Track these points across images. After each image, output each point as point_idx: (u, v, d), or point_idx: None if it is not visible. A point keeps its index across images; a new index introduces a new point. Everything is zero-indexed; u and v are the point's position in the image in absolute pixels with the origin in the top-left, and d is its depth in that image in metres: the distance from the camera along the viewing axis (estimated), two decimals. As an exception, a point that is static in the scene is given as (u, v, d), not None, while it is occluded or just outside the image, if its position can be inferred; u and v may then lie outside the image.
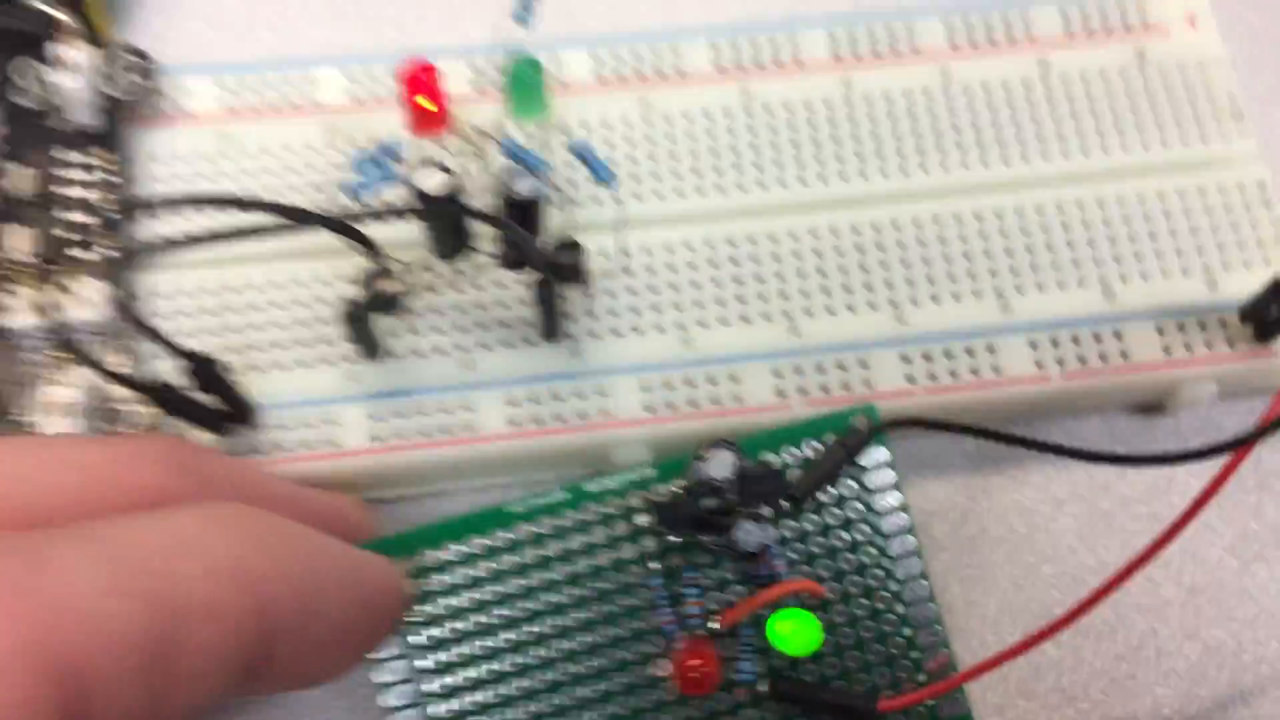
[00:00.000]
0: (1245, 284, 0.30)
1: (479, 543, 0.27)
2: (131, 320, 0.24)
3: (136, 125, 0.31)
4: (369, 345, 0.29)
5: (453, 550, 0.27)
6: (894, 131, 0.32)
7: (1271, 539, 0.30)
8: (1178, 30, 0.33)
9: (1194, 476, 0.30)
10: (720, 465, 0.26)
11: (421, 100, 0.28)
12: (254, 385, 0.28)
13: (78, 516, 0.19)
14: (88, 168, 0.29)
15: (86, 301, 0.28)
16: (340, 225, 0.23)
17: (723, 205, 0.31)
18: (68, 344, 0.23)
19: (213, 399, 0.27)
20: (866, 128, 0.32)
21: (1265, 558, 0.30)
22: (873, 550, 0.27)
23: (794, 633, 0.26)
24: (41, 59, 0.30)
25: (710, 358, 0.30)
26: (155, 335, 0.25)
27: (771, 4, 0.36)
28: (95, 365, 0.25)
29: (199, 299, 0.29)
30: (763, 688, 0.26)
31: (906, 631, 0.27)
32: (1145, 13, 0.33)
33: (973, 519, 0.30)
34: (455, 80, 0.31)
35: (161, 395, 0.26)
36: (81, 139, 0.30)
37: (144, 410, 0.27)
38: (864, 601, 0.27)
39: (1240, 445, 0.24)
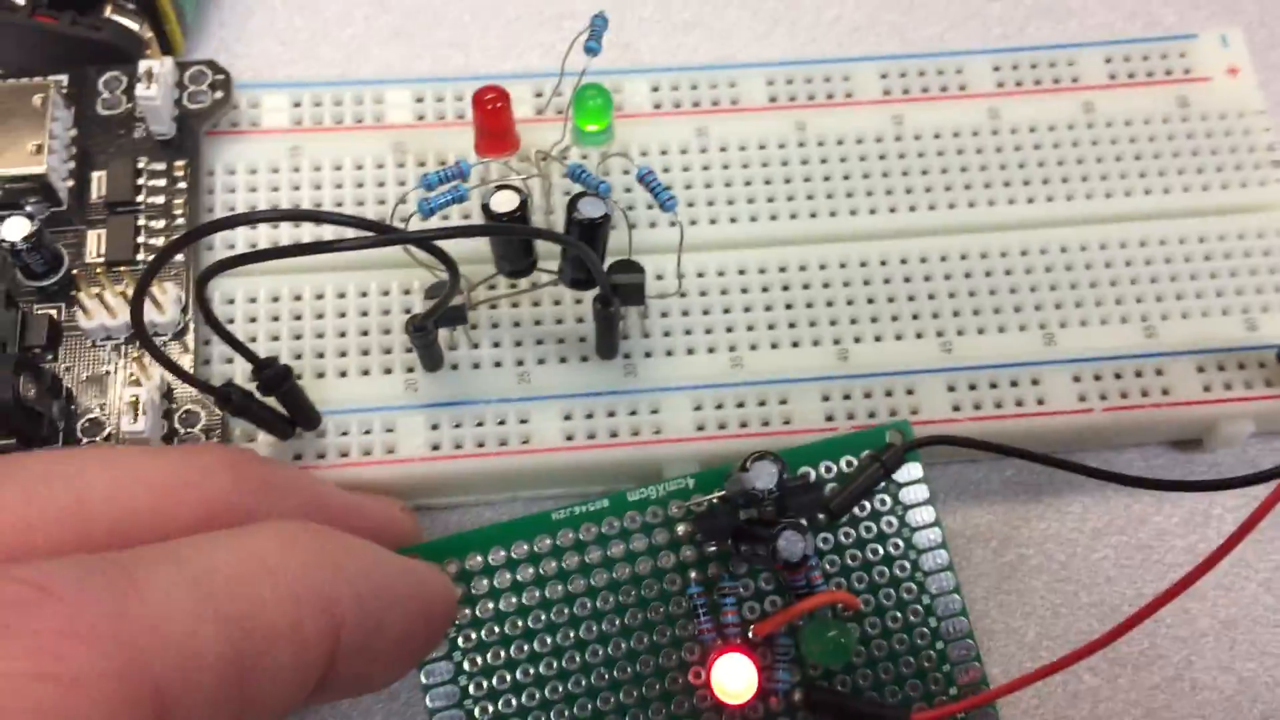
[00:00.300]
0: (1284, 326, 0.31)
1: (523, 547, 0.27)
2: (208, 323, 0.25)
3: (213, 137, 0.32)
4: (431, 357, 0.29)
5: (497, 554, 0.27)
6: (943, 166, 0.33)
7: (1307, 574, 0.31)
8: (1219, 80, 0.34)
9: (1230, 511, 0.31)
10: (764, 476, 0.26)
11: (492, 123, 0.29)
12: (318, 391, 0.29)
13: (155, 533, 0.20)
14: (164, 175, 0.30)
15: (162, 304, 0.29)
16: (422, 242, 0.24)
17: (775, 232, 0.32)
18: (143, 345, 0.24)
19: (279, 403, 0.28)
20: (916, 162, 0.33)
21: (1300, 592, 0.31)
22: (906, 564, 0.28)
23: (829, 642, 0.26)
24: (128, 72, 0.31)
25: (760, 379, 0.30)
26: (229, 339, 0.26)
27: (824, 42, 0.37)
28: (170, 366, 0.25)
29: (269, 306, 0.30)
30: (797, 697, 0.27)
31: (939, 645, 0.28)
32: (1188, 62, 0.34)
33: (1012, 546, 0.31)
34: (521, 104, 0.32)
35: (230, 399, 0.27)
36: (160, 149, 0.31)
37: (213, 412, 0.28)
38: (897, 614, 0.28)
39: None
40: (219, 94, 0.31)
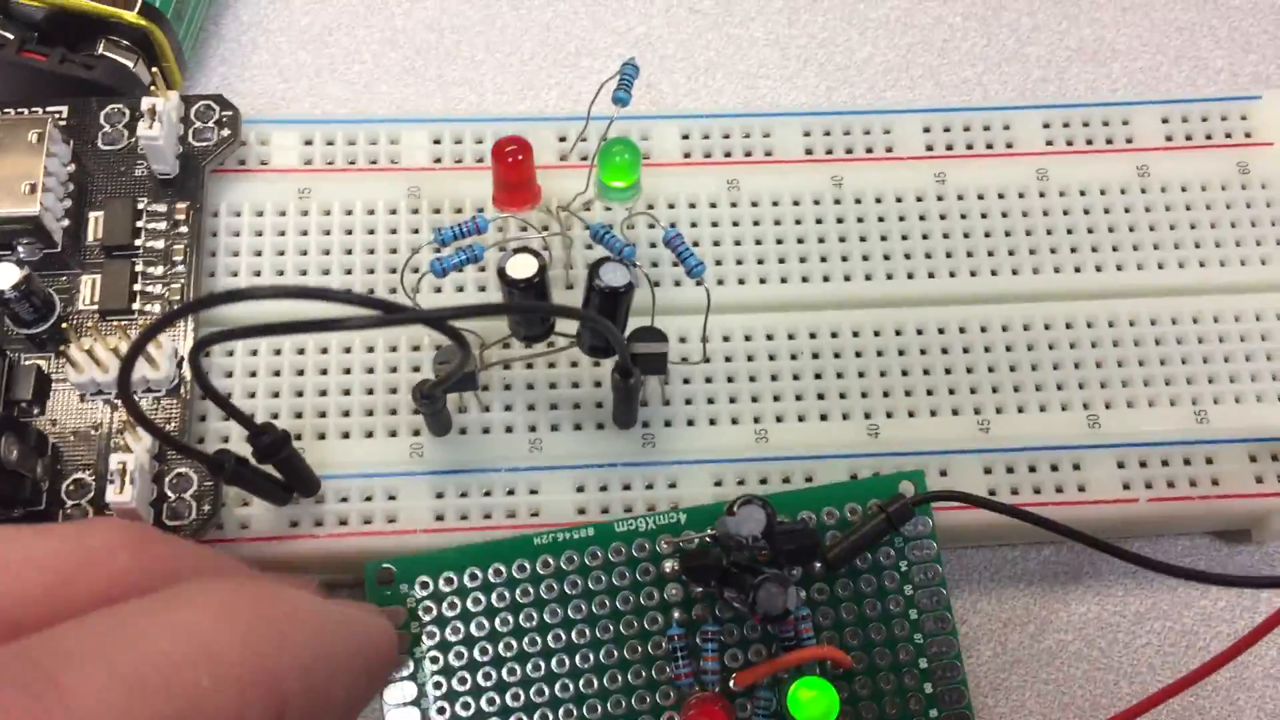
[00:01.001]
0: (1343, 414, 0.29)
1: (500, 571, 0.26)
2: (203, 391, 0.23)
3: (218, 175, 0.30)
4: (439, 422, 0.28)
5: (473, 576, 0.26)
6: (986, 229, 0.31)
7: (1358, 676, 0.29)
8: (1282, 143, 0.32)
9: (1277, 597, 0.29)
10: (749, 522, 0.25)
11: (512, 175, 0.27)
12: (318, 453, 0.28)
13: (49, 620, 0.18)
14: (164, 217, 0.29)
15: (156, 360, 0.27)
16: (432, 322, 0.22)
17: (808, 294, 0.30)
18: (133, 415, 0.22)
19: (275, 469, 0.26)
20: (958, 224, 0.31)
21: (1352, 696, 0.29)
22: (905, 624, 0.27)
23: (813, 701, 0.25)
24: (131, 105, 0.30)
25: (786, 454, 0.29)
26: (225, 405, 0.24)
27: (856, 83, 0.35)
28: (162, 435, 0.24)
29: (270, 359, 0.29)
30: None
31: (933, 713, 0.26)
32: (1249, 124, 0.33)
33: (1050, 631, 0.29)
34: (543, 149, 0.31)
35: (224, 466, 0.25)
36: (162, 188, 0.29)
37: (206, 476, 0.27)
38: (890, 676, 0.26)
39: None
40: (226, 131, 0.30)
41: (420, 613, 0.26)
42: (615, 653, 0.26)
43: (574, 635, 0.26)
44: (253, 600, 0.19)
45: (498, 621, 0.26)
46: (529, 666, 0.26)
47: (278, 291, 0.21)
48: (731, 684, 0.26)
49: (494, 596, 0.26)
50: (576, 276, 0.30)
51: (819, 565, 0.27)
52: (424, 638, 0.26)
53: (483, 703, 0.26)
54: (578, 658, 0.26)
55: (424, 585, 0.26)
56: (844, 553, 0.27)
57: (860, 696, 0.26)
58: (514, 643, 0.26)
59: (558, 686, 0.26)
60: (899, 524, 0.27)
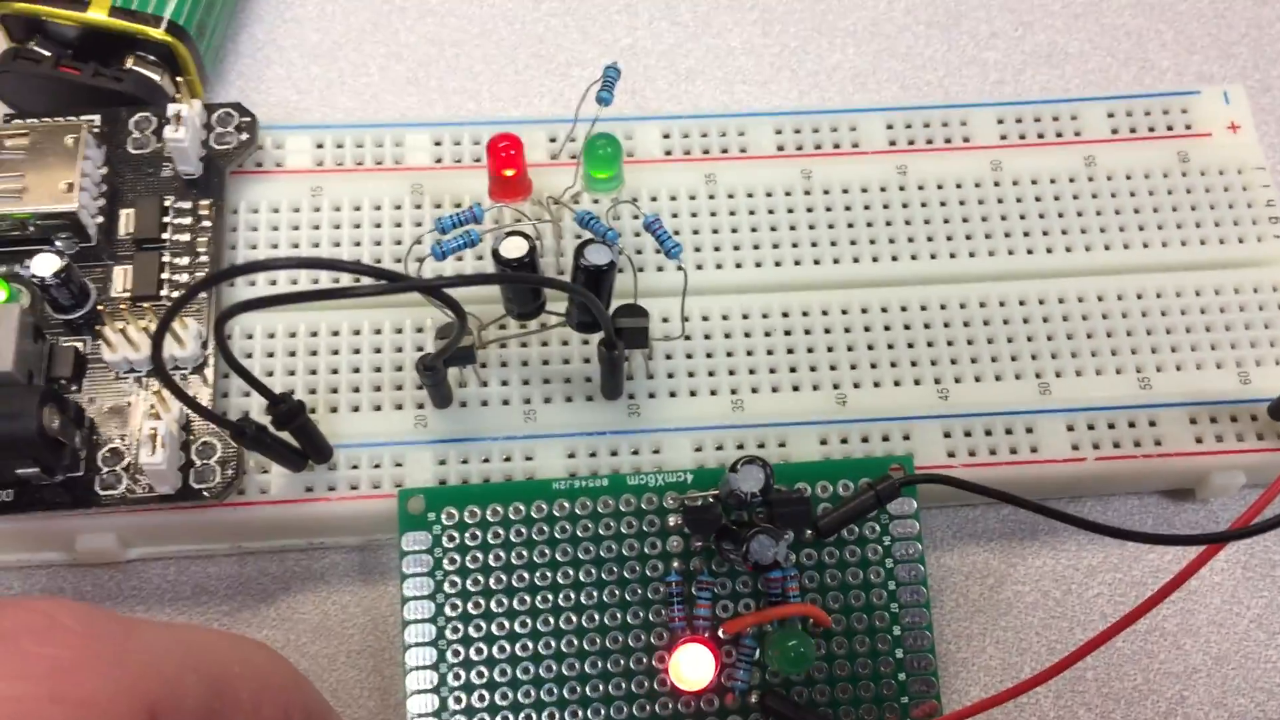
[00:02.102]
0: (1276, 380, 0.31)
1: (520, 509, 0.29)
2: (226, 361, 0.26)
3: (237, 176, 0.33)
4: (441, 394, 0.30)
5: (495, 511, 0.29)
6: (945, 216, 0.34)
7: (1296, 615, 0.31)
8: (1219, 135, 0.35)
9: (1221, 550, 0.32)
10: (750, 479, 0.27)
11: (505, 170, 0.30)
12: (330, 424, 0.30)
13: None
14: (189, 213, 0.32)
15: (183, 339, 0.30)
16: (432, 290, 0.25)
17: (779, 277, 0.33)
18: (162, 381, 0.25)
19: (292, 437, 0.29)
20: (919, 211, 0.34)
21: (1290, 633, 0.31)
22: (883, 593, 0.29)
23: (791, 652, 0.28)
24: (157, 113, 0.32)
25: (760, 421, 0.31)
26: (246, 375, 0.27)
27: (827, 88, 0.38)
28: (188, 400, 0.26)
29: (286, 341, 0.31)
30: (753, 698, 0.28)
31: (901, 676, 0.29)
32: (1189, 117, 0.35)
33: (1008, 584, 0.32)
34: (534, 149, 0.33)
35: (245, 433, 0.28)
36: (187, 187, 0.32)
37: (229, 444, 0.29)
38: (865, 639, 0.29)
39: (1215, 541, 0.26)
40: (244, 135, 0.32)
41: (444, 540, 0.29)
42: (617, 593, 0.29)
43: (581, 574, 0.29)
44: (262, 646, 0.23)
45: (513, 555, 0.29)
46: (538, 598, 0.28)
47: (293, 262, 0.23)
48: (720, 632, 0.28)
49: (512, 532, 0.29)
50: (566, 264, 0.32)
51: (810, 532, 0.29)
52: (445, 563, 0.28)
53: (493, 627, 0.28)
54: (583, 594, 0.29)
55: (449, 516, 0.29)
56: (833, 522, 0.29)
57: (836, 654, 0.29)
58: (526, 575, 0.29)
59: (562, 619, 0.28)
60: (886, 501, 0.29)
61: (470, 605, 0.28)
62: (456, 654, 0.28)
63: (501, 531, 0.29)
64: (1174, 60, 0.39)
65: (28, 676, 0.18)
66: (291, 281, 0.31)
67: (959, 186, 0.34)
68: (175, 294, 0.31)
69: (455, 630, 0.28)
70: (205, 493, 0.29)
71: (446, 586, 0.28)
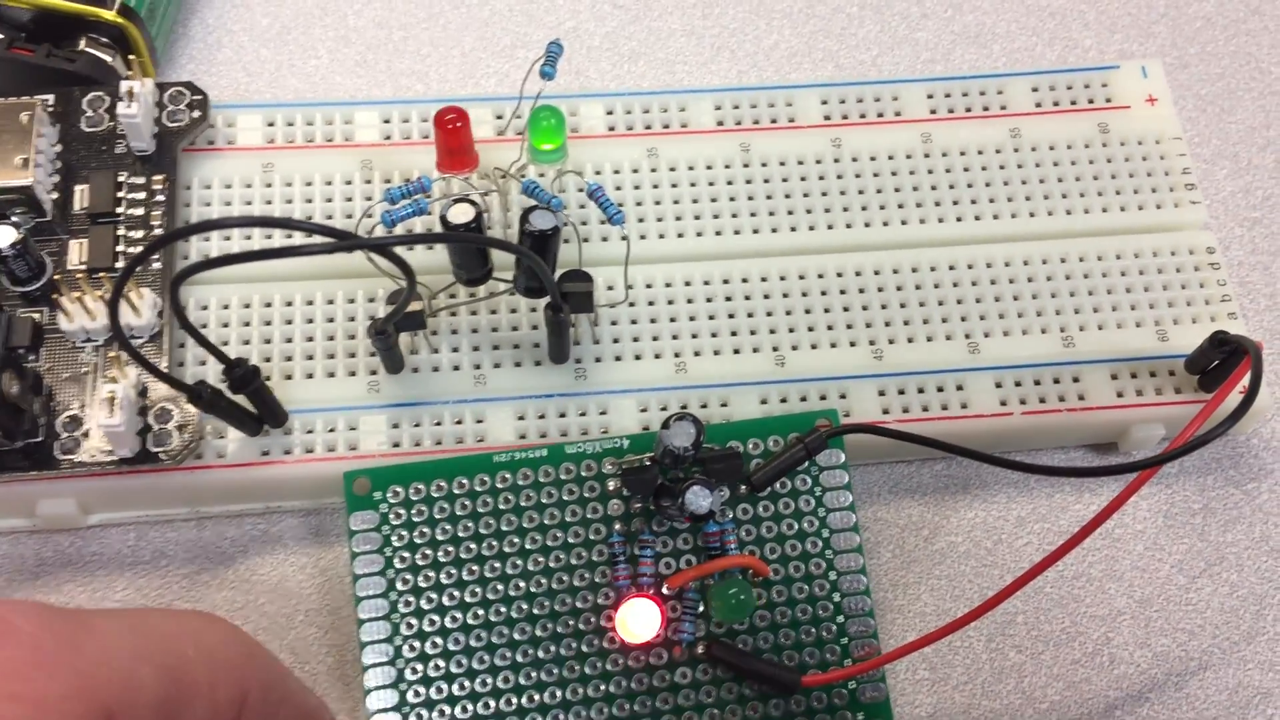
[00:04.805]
0: (1192, 338, 0.33)
1: (463, 483, 0.30)
2: (180, 323, 0.26)
3: (189, 154, 0.34)
4: (392, 359, 0.31)
5: (439, 486, 0.30)
6: (878, 187, 0.35)
7: (1215, 557, 0.33)
8: (1138, 107, 0.37)
9: (1144, 499, 0.33)
10: (681, 435, 0.28)
11: (452, 141, 0.31)
12: (286, 391, 0.31)
13: None
14: (143, 189, 0.32)
15: (139, 309, 0.30)
16: (380, 248, 0.26)
17: (719, 246, 0.34)
18: (119, 341, 0.25)
19: (248, 402, 0.30)
20: (853, 182, 0.35)
21: (1209, 574, 0.33)
22: (818, 541, 0.30)
23: (730, 599, 0.29)
24: (110, 92, 0.33)
25: (703, 383, 0.32)
26: (200, 339, 0.28)
27: (764, 67, 0.39)
28: (144, 362, 0.27)
29: (240, 312, 0.32)
30: (700, 649, 0.29)
31: (839, 619, 0.30)
32: (1109, 91, 0.37)
33: (942, 535, 0.33)
34: (481, 125, 0.34)
35: (202, 396, 0.28)
36: (140, 164, 0.33)
37: (186, 410, 0.30)
38: (803, 586, 0.30)
39: (1147, 466, 0.28)
40: (196, 113, 0.33)
41: (391, 517, 0.29)
42: (562, 557, 0.30)
43: (526, 541, 0.30)
44: (230, 625, 0.23)
45: (459, 528, 0.30)
46: (486, 568, 0.29)
47: (246, 221, 0.24)
48: (664, 589, 0.29)
49: (456, 506, 0.30)
50: (513, 236, 0.33)
51: (744, 486, 0.30)
52: (393, 539, 0.29)
53: (444, 598, 0.29)
54: (529, 561, 0.30)
55: (395, 494, 0.30)
56: (766, 476, 0.30)
57: (776, 602, 0.30)
58: (473, 546, 0.30)
59: (511, 586, 0.29)
60: (814, 453, 0.30)
61: (420, 579, 0.29)
62: (410, 626, 0.29)
63: (447, 506, 0.30)
64: (1096, 39, 0.41)
65: None
66: (245, 237, 0.32)
67: (891, 158, 0.36)
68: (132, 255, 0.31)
69: (408, 604, 0.29)
70: (163, 456, 0.30)
71: (396, 562, 0.29)
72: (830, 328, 0.33)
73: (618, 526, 0.30)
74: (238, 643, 0.23)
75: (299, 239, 0.31)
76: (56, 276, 0.31)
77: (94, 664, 0.19)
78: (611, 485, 0.30)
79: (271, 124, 0.34)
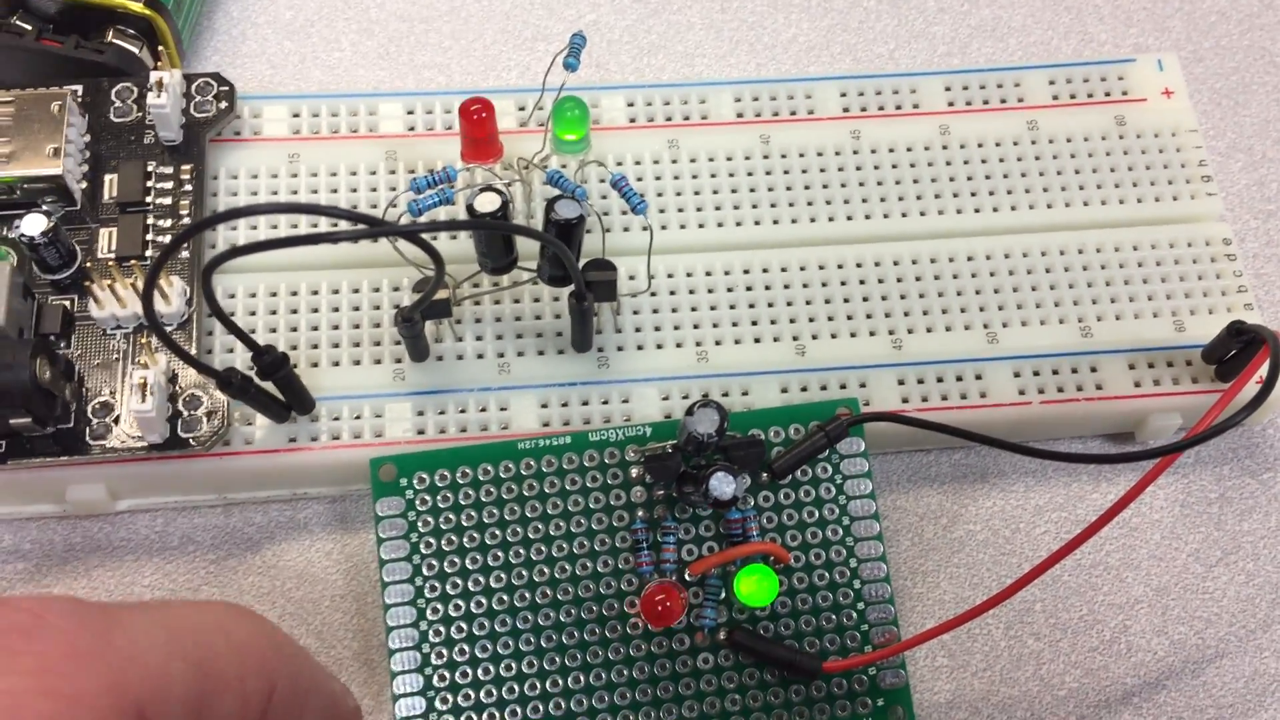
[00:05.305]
0: (1208, 328, 0.33)
1: (488, 470, 0.30)
2: (211, 309, 0.27)
3: (216, 144, 0.34)
4: (418, 348, 0.32)
5: (464, 473, 0.30)
6: (896, 178, 0.35)
7: (1231, 546, 0.33)
8: (1154, 100, 0.37)
9: (1161, 489, 0.34)
10: (705, 420, 0.29)
11: (477, 131, 0.31)
12: (312, 379, 0.31)
13: None
14: (171, 178, 0.33)
15: (168, 296, 0.31)
16: (410, 235, 0.26)
17: (740, 236, 0.34)
18: (151, 326, 0.26)
19: (276, 389, 0.30)
20: (872, 174, 0.35)
21: (1226, 562, 0.33)
22: (839, 529, 0.31)
23: (755, 587, 0.29)
24: (139, 83, 0.33)
25: (724, 372, 0.33)
26: (230, 325, 0.28)
27: (783, 60, 0.40)
28: (175, 348, 0.27)
29: (268, 300, 0.32)
30: (721, 635, 0.30)
31: (860, 606, 0.30)
32: (1126, 84, 0.37)
33: (961, 523, 0.33)
34: (505, 117, 0.35)
35: (231, 382, 0.29)
36: (168, 154, 0.33)
37: (215, 396, 0.30)
38: (824, 573, 0.30)
39: (1165, 454, 0.28)
40: (223, 104, 0.34)
41: (416, 504, 0.30)
42: (586, 544, 0.30)
43: (550, 528, 0.30)
44: (257, 616, 0.23)
45: (484, 514, 0.30)
46: (510, 554, 0.30)
47: (275, 207, 0.25)
48: (687, 575, 0.30)
49: (481, 492, 0.30)
50: (536, 226, 0.34)
51: (765, 474, 0.31)
52: (419, 525, 0.30)
53: (469, 584, 0.30)
54: (553, 547, 0.30)
55: (420, 480, 0.30)
56: (787, 464, 0.30)
57: (797, 589, 0.30)
58: (497, 532, 0.30)
59: (535, 572, 0.30)
60: (835, 441, 0.31)
61: (446, 564, 0.30)
62: (435, 611, 0.29)
63: (472, 492, 0.30)
64: (1111, 33, 0.41)
65: (17, 672, 0.18)
66: (272, 226, 0.33)
67: (909, 150, 0.36)
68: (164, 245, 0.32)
69: (433, 589, 0.29)
70: (192, 441, 0.30)
71: (422, 548, 0.30)
72: (850, 317, 0.34)
73: (640, 513, 0.30)
74: (265, 634, 0.23)
75: (326, 226, 0.31)
76: (87, 264, 0.31)
77: (126, 659, 0.20)
78: (634, 473, 0.30)
79: (297, 115, 0.35)
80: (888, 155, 0.36)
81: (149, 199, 0.32)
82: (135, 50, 0.35)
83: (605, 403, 0.32)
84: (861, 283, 0.34)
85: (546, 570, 0.30)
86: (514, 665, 0.29)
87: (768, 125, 0.36)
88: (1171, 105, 0.37)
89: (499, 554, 0.30)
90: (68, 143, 0.32)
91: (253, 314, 0.32)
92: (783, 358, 0.33)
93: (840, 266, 0.34)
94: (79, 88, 0.33)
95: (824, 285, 0.34)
